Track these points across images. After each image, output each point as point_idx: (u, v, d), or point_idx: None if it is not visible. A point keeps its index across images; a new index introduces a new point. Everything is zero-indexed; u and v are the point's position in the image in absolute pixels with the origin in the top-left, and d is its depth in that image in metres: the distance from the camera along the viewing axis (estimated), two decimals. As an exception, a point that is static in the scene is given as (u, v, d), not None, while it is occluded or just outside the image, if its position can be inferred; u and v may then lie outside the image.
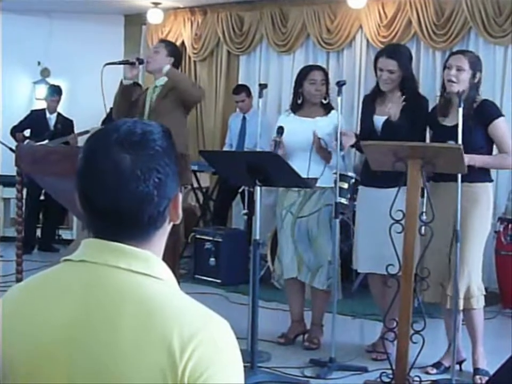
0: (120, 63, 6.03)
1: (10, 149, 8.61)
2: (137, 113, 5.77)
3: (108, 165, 1.49)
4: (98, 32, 10.90)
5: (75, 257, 1.55)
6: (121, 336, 1.42)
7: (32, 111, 9.49)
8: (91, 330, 1.45)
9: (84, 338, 1.45)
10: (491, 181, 5.01)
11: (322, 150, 5.48)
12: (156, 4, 10.06)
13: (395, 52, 5.37)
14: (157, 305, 1.45)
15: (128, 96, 5.84)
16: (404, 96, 5.20)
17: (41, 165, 5.37)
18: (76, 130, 9.30)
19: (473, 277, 4.87)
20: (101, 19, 10.86)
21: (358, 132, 5.50)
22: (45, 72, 10.90)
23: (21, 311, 1.53)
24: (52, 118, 9.54)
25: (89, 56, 10.74)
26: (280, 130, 5.46)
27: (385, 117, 5.22)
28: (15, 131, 8.52)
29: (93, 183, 1.50)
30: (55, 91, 9.65)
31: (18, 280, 6.19)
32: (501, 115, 4.98)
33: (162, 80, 5.84)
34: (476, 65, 4.94)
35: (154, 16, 10.24)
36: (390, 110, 5.17)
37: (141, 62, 5.86)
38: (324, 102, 5.63)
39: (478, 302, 4.90)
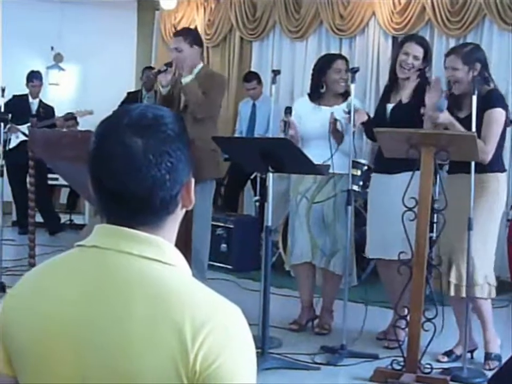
0: (154, 75, 6.04)
1: (24, 134, 8.66)
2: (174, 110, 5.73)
3: (119, 149, 1.48)
4: (111, 17, 10.91)
5: (87, 242, 1.54)
6: (133, 321, 1.42)
7: (14, 95, 9.40)
8: (102, 314, 1.45)
9: (94, 321, 1.45)
10: (504, 170, 4.97)
11: (337, 133, 5.47)
12: (169, -11, 10.05)
13: (423, 40, 5.47)
14: (169, 291, 1.44)
15: (170, 103, 5.78)
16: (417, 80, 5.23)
17: (54, 150, 5.37)
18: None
19: (478, 266, 4.82)
20: (114, 4, 10.86)
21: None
22: (58, 57, 10.91)
23: (34, 296, 1.54)
24: (34, 103, 9.53)
25: (102, 41, 10.77)
26: (289, 110, 5.46)
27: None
28: None
29: (104, 167, 1.50)
30: (36, 76, 9.60)
31: (31, 264, 6.24)
32: (499, 106, 4.84)
33: (192, 74, 5.80)
34: (470, 58, 4.89)
35: (167, 2, 10.23)
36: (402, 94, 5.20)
37: (170, 65, 5.85)
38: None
39: (483, 291, 4.87)
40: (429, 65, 5.39)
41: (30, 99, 9.51)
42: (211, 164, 5.64)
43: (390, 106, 5.33)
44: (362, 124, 5.35)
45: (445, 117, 4.73)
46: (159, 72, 5.88)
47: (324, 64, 5.70)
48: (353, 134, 5.20)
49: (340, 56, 5.95)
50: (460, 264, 4.77)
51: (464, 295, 4.80)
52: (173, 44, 6.00)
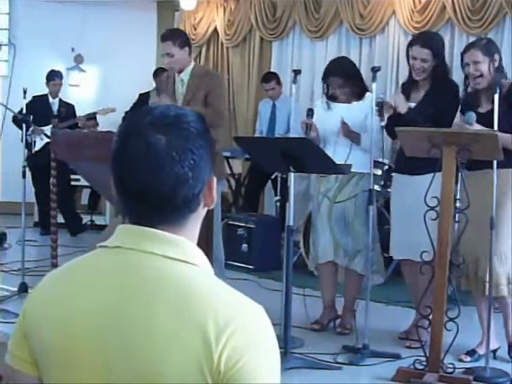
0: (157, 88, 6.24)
1: (46, 135, 8.69)
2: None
3: (142, 147, 1.48)
4: (131, 18, 10.94)
5: (110, 243, 1.54)
6: (156, 321, 1.42)
7: (34, 96, 9.42)
8: (126, 316, 1.45)
9: (119, 323, 1.45)
10: None
11: (350, 133, 5.48)
12: (189, -10, 10.06)
13: (429, 40, 5.32)
14: (192, 291, 1.44)
15: None
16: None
17: (75, 150, 5.38)
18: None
19: (507, 264, 4.81)
20: (134, 5, 10.89)
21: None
22: (79, 59, 10.94)
23: (57, 297, 1.54)
24: (54, 103, 9.54)
25: (122, 42, 10.79)
26: (310, 112, 5.46)
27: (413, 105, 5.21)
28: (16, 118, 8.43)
29: (127, 165, 1.50)
30: (57, 75, 9.60)
31: (53, 265, 6.27)
32: None
33: (186, 74, 5.90)
34: (489, 50, 4.87)
35: (187, 2, 10.25)
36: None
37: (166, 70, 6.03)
38: (346, 90, 5.60)
39: (508, 289, 4.85)
40: (441, 60, 5.30)
41: (50, 99, 9.52)
42: (219, 165, 5.71)
43: (411, 105, 5.30)
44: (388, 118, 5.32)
45: (476, 128, 4.70)
46: (161, 86, 6.06)
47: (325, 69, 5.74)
48: (381, 128, 5.18)
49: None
50: (485, 263, 4.74)
51: (491, 293, 4.77)
52: (163, 50, 6.05)
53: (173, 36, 6.00)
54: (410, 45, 5.34)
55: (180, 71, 5.96)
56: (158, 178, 1.47)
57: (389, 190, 5.73)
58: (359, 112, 5.50)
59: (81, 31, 10.80)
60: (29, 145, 8.95)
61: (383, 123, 5.18)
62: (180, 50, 5.89)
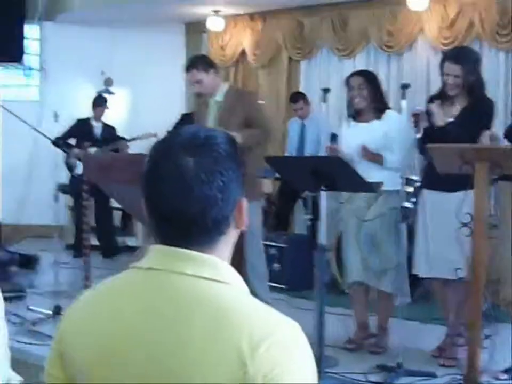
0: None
1: (78, 158, 8.78)
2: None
3: (171, 169, 1.50)
4: (159, 41, 11.02)
5: (143, 264, 1.55)
6: (191, 340, 1.42)
7: (78, 120, 9.58)
8: (160, 336, 1.45)
9: (152, 344, 1.45)
10: None
11: (372, 156, 5.46)
12: (216, 12, 10.12)
13: (459, 56, 5.30)
14: (226, 309, 1.44)
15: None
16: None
17: (107, 173, 5.43)
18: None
19: None
20: (162, 28, 10.97)
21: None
22: (108, 82, 11.03)
23: (90, 317, 1.55)
24: (97, 126, 9.66)
25: (151, 65, 10.88)
26: (334, 137, 5.45)
27: (451, 119, 5.17)
28: (60, 140, 8.59)
29: (157, 187, 1.51)
30: (104, 100, 9.78)
31: (86, 286, 6.29)
32: None
33: (220, 96, 5.90)
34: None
35: (214, 24, 10.30)
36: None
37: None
38: (369, 106, 5.55)
39: None
40: (476, 76, 5.26)
41: (94, 123, 9.67)
42: (255, 186, 5.77)
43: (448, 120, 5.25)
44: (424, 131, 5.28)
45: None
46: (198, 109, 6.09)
47: (345, 84, 5.70)
48: (415, 141, 5.16)
49: (354, 73, 5.83)
50: None
51: None
52: (189, 80, 6.05)
53: (195, 63, 6.02)
54: (442, 61, 5.33)
55: (212, 94, 5.94)
56: (187, 200, 1.48)
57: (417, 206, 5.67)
58: (378, 130, 5.47)
59: (110, 54, 10.89)
60: (70, 168, 9.08)
61: (419, 134, 5.15)
62: (206, 75, 5.90)
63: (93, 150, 8.99)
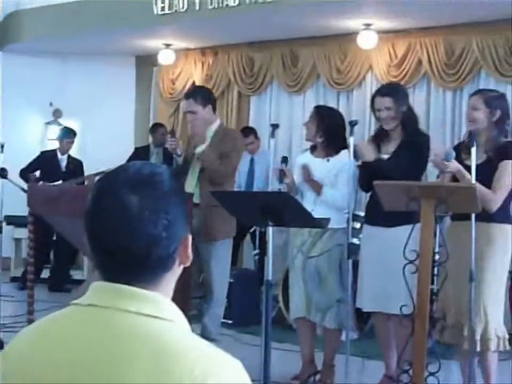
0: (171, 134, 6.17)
1: (23, 189, 8.66)
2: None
3: (115, 206, 1.48)
4: (110, 73, 11.00)
5: (83, 301, 1.53)
6: (130, 379, 1.39)
7: (42, 152, 9.54)
8: (100, 375, 1.42)
9: (91, 381, 1.42)
10: (511, 222, 4.91)
11: (311, 180, 5.52)
12: (167, 45, 10.13)
13: (389, 89, 5.44)
14: (167, 347, 1.42)
15: (186, 170, 5.89)
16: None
17: (52, 205, 5.36)
18: (86, 172, 9.33)
19: (491, 319, 4.77)
20: (112, 60, 10.96)
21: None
22: (57, 113, 10.96)
23: (30, 355, 1.52)
24: (63, 159, 9.61)
25: (101, 97, 10.83)
26: (285, 159, 5.53)
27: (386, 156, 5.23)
28: (25, 172, 8.58)
29: (100, 224, 1.49)
30: (72, 133, 9.74)
31: (30, 320, 6.18)
32: None
33: (210, 131, 5.92)
34: (492, 103, 4.86)
35: (165, 57, 10.31)
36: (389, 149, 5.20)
37: (173, 134, 5.99)
38: (319, 140, 5.57)
39: (497, 345, 4.79)
40: (407, 110, 5.33)
41: (59, 155, 9.60)
42: (230, 224, 5.74)
43: (384, 157, 5.30)
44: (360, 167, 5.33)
45: (453, 166, 4.70)
46: (172, 136, 6.01)
47: None
48: (354, 183, 5.22)
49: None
50: (470, 317, 4.67)
51: (478, 349, 4.72)
52: (185, 108, 6.06)
53: (195, 94, 6.03)
54: (372, 99, 5.40)
55: (202, 138, 5.88)
56: (131, 238, 1.47)
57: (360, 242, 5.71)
58: (331, 167, 5.50)
59: (60, 85, 10.83)
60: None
61: (358, 163, 5.25)
62: (202, 109, 5.88)
63: (58, 183, 8.89)
